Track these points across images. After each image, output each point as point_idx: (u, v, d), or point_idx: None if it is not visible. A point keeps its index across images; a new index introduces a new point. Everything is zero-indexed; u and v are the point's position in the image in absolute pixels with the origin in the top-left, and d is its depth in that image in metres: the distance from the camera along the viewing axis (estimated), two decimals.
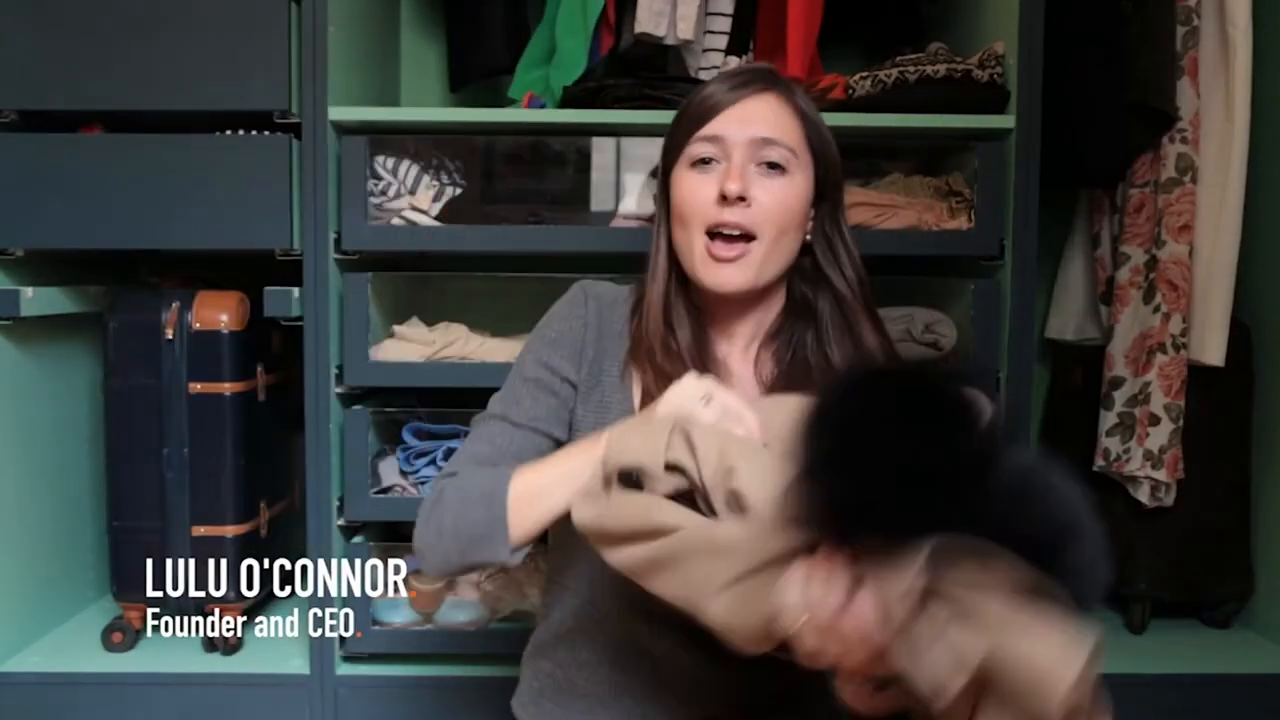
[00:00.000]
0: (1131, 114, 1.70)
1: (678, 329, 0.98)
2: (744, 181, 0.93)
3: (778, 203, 0.94)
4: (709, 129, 0.95)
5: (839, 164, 1.00)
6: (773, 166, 0.94)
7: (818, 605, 0.63)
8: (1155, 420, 1.73)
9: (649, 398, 0.95)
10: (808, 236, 1.00)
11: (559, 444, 0.98)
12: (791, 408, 0.86)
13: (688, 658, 0.95)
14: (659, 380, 0.94)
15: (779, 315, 1.02)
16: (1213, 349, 1.72)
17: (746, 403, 0.83)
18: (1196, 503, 1.79)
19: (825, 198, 1.00)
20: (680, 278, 1.00)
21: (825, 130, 0.99)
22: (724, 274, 0.94)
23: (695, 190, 0.95)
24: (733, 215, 0.93)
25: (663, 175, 1.01)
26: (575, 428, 0.99)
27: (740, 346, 1.02)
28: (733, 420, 0.81)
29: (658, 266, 1.00)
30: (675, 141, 0.98)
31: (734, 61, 1.75)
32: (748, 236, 0.94)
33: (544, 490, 0.87)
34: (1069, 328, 1.98)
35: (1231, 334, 1.73)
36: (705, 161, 0.95)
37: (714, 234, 0.95)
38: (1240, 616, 1.88)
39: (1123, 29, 1.70)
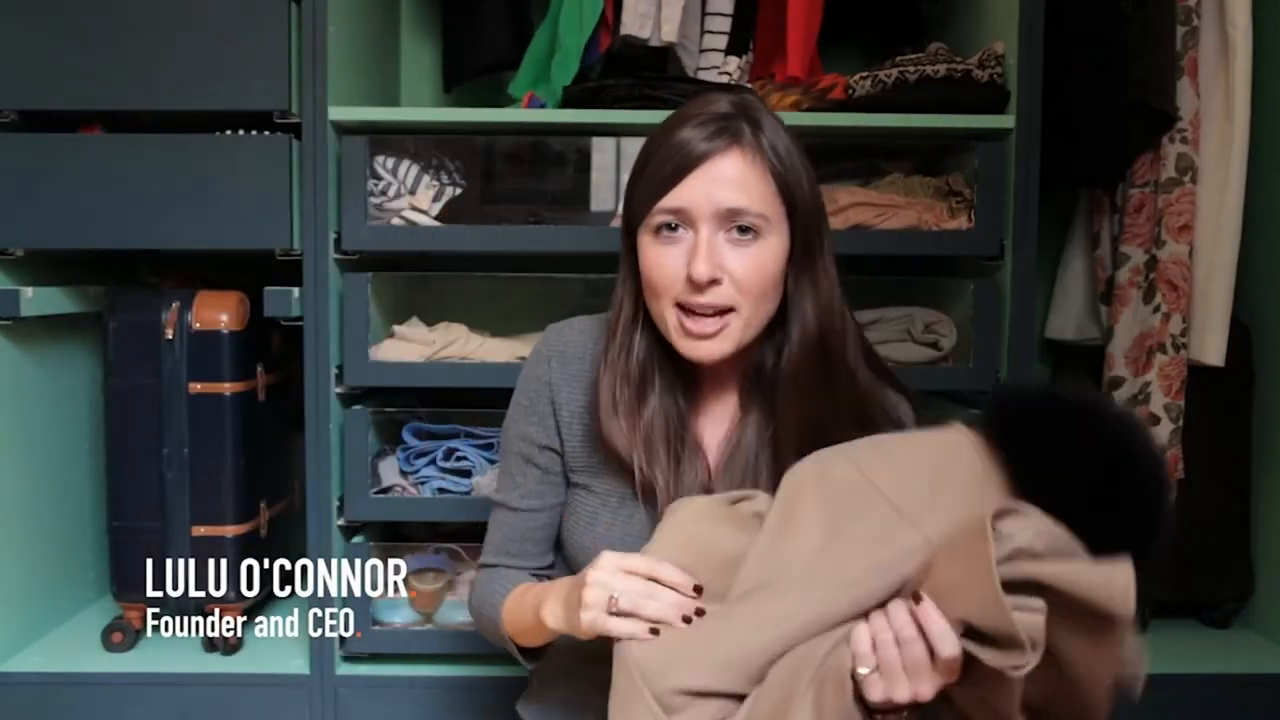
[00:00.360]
0: (1131, 114, 1.70)
1: (653, 406, 0.94)
2: (713, 261, 0.86)
3: (752, 273, 0.87)
4: (671, 200, 0.87)
5: (821, 212, 0.92)
6: (743, 231, 0.87)
7: (886, 639, 0.69)
8: (1155, 420, 1.73)
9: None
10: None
11: (569, 484, 1.01)
12: (692, 511, 0.84)
13: None
14: (616, 458, 0.95)
15: (761, 381, 0.96)
16: (1213, 349, 1.72)
17: (649, 560, 0.81)
18: (1196, 503, 1.79)
19: (801, 247, 0.91)
20: (655, 343, 0.95)
21: (800, 174, 0.89)
22: (703, 348, 0.89)
23: (662, 265, 0.88)
24: (705, 298, 0.87)
25: (625, 231, 0.94)
26: (574, 483, 1.00)
27: (733, 391, 0.98)
28: (649, 604, 0.78)
29: (627, 335, 0.94)
30: (636, 202, 0.90)
31: (734, 61, 1.75)
32: (725, 310, 0.88)
33: (524, 632, 0.95)
34: (1069, 328, 1.98)
35: (1231, 334, 1.73)
36: (671, 228, 0.88)
37: (687, 309, 0.89)
38: (1240, 616, 1.88)
39: (1123, 29, 1.70)
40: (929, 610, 0.68)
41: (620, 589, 0.78)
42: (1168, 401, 1.73)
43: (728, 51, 1.75)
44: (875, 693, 0.70)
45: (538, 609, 0.89)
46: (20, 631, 1.69)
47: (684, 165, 0.86)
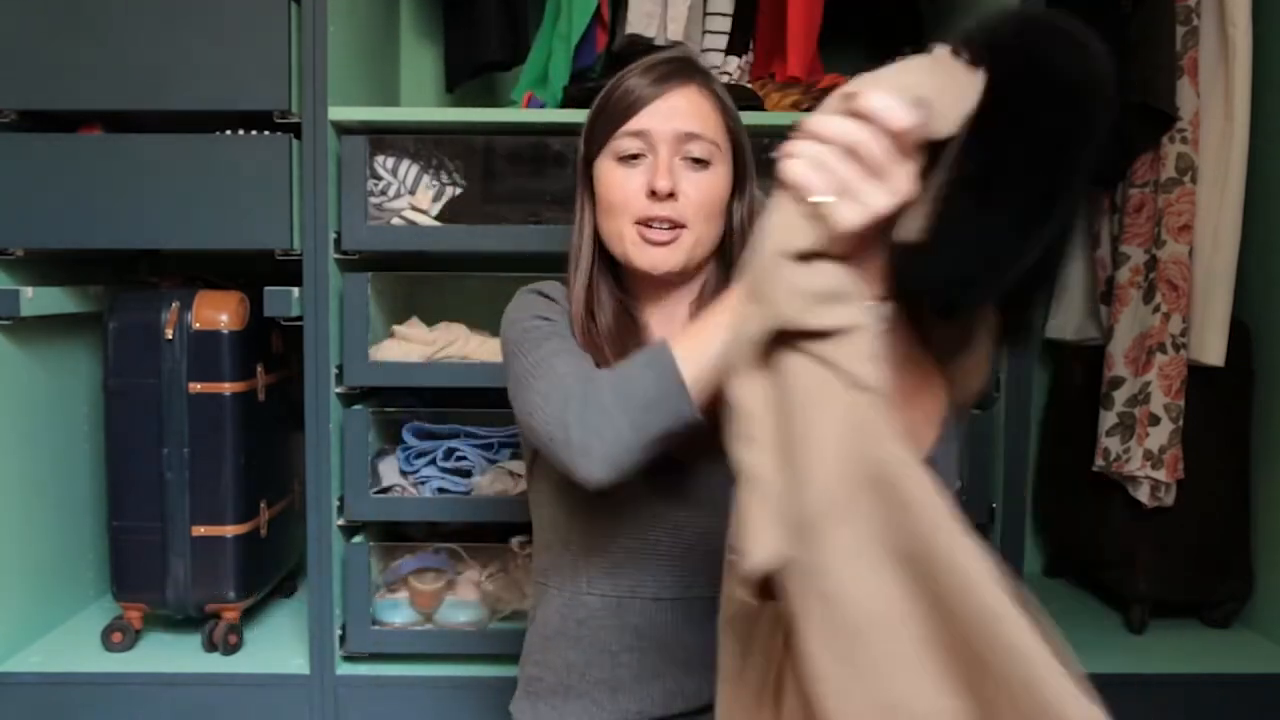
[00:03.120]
0: (1131, 114, 1.70)
1: (599, 313, 1.01)
2: (672, 177, 0.95)
3: (704, 195, 0.97)
4: (634, 124, 0.96)
5: (751, 153, 1.03)
6: (697, 161, 0.96)
7: (832, 163, 0.57)
8: (1155, 420, 1.73)
9: None
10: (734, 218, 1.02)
11: None
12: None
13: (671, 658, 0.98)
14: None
15: (709, 294, 1.03)
16: (1213, 349, 1.72)
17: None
18: (1196, 503, 1.79)
19: (742, 185, 1.02)
20: (604, 263, 1.03)
21: (740, 119, 1.02)
22: (658, 255, 0.96)
23: (624, 184, 0.97)
24: (663, 210, 0.95)
25: (584, 165, 1.02)
26: None
27: (680, 322, 1.03)
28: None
29: (581, 254, 1.02)
30: (597, 134, 1.00)
31: (734, 61, 1.75)
32: (678, 225, 0.97)
33: (708, 341, 0.82)
34: (1069, 328, 1.98)
35: (1231, 334, 1.73)
36: (633, 156, 0.97)
37: (645, 222, 0.97)
38: (1240, 616, 1.88)
39: (1123, 28, 1.70)
40: (865, 97, 0.56)
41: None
42: (1168, 401, 1.73)
43: (728, 51, 1.75)
44: (851, 216, 0.57)
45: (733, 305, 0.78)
46: (20, 631, 1.69)
47: (644, 98, 0.96)
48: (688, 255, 0.97)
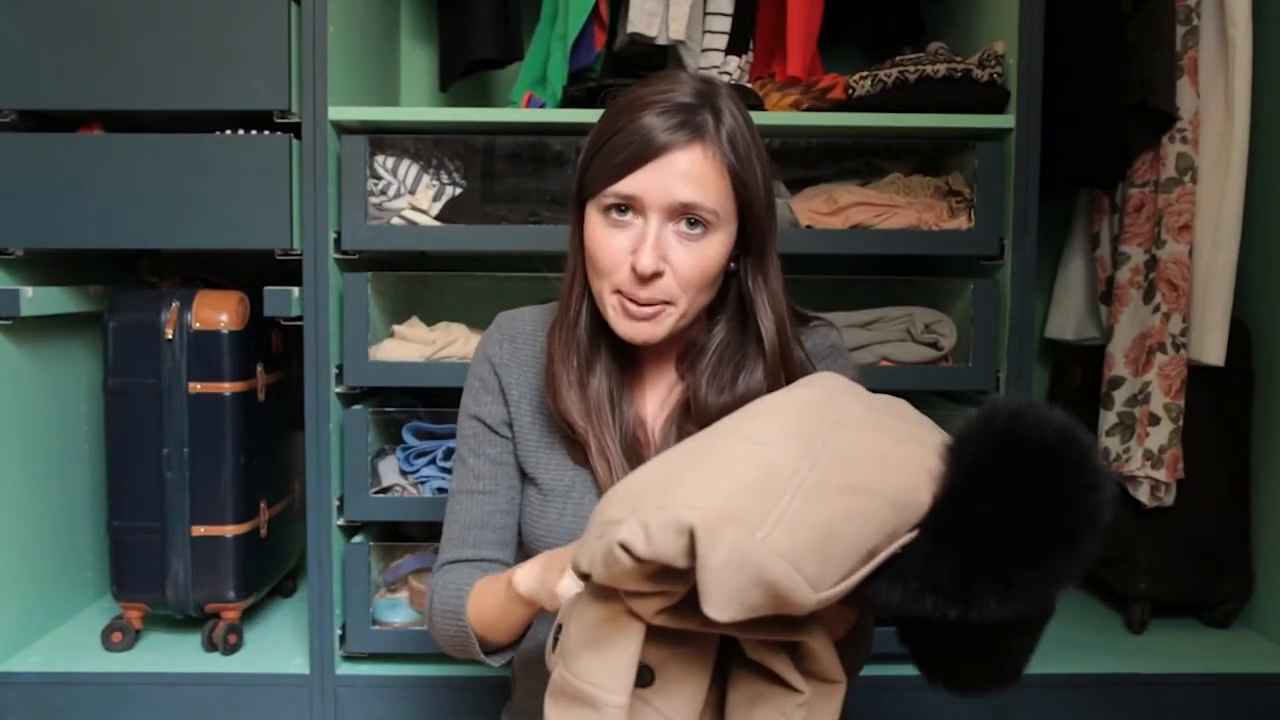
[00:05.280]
0: (1131, 114, 1.70)
1: (590, 380, 0.95)
2: (658, 253, 0.86)
3: (695, 268, 0.88)
4: (625, 185, 0.86)
5: (771, 209, 0.93)
6: (693, 225, 0.87)
7: None
8: (1155, 420, 1.73)
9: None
10: (732, 265, 0.93)
11: (523, 477, 1.01)
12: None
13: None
14: (566, 426, 0.95)
15: (700, 337, 0.98)
16: (1213, 349, 1.72)
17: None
18: (1196, 503, 1.79)
19: (750, 248, 0.93)
20: (598, 323, 0.96)
21: (757, 173, 0.90)
22: (638, 329, 0.90)
23: (607, 247, 0.88)
24: (646, 291, 0.88)
25: (577, 200, 0.94)
26: (524, 474, 1.01)
27: (671, 366, 1.00)
28: None
29: (577, 298, 0.95)
30: (590, 177, 0.90)
31: (734, 61, 1.75)
32: (664, 301, 0.89)
33: (489, 616, 0.91)
34: (1069, 328, 1.98)
35: (1231, 334, 1.73)
36: (621, 211, 0.88)
37: (628, 295, 0.90)
38: (1240, 616, 1.88)
39: (1123, 28, 1.70)
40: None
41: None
42: (1168, 401, 1.73)
43: (728, 51, 1.75)
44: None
45: (509, 581, 0.86)
46: (20, 631, 1.69)
47: (642, 154, 0.86)
48: (672, 326, 0.90)
